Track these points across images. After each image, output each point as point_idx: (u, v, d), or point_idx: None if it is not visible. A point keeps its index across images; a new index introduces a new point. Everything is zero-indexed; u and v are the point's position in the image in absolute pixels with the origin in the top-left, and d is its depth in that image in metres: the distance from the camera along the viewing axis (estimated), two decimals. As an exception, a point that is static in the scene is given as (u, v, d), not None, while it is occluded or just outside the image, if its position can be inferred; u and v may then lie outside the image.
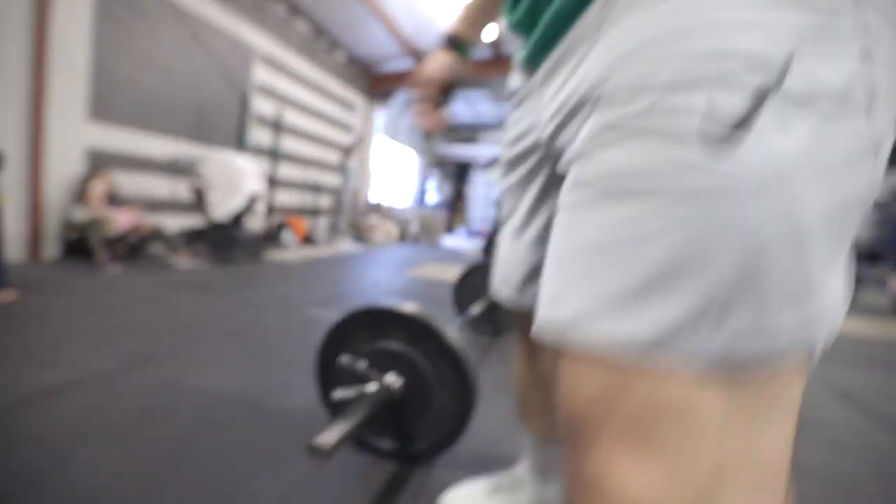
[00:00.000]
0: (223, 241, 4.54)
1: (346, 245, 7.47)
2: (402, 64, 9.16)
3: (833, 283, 0.31)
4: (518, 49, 0.62)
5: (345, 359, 1.22)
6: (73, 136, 4.00)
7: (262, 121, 6.40)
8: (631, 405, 0.29)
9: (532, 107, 0.59)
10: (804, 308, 0.30)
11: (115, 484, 1.09)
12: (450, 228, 13.20)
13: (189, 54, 5.03)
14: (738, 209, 0.29)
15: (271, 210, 6.55)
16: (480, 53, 8.56)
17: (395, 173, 12.32)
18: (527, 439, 0.99)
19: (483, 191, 14.16)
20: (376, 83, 9.47)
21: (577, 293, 0.34)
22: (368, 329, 1.27)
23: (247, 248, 4.71)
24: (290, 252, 5.91)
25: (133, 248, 4.19)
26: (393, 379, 1.23)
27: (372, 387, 1.20)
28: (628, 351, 0.31)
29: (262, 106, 6.35)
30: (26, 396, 1.46)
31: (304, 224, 7.20)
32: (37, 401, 1.45)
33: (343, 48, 8.29)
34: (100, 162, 4.15)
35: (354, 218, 8.90)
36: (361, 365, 1.23)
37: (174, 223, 4.85)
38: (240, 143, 5.92)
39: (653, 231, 0.31)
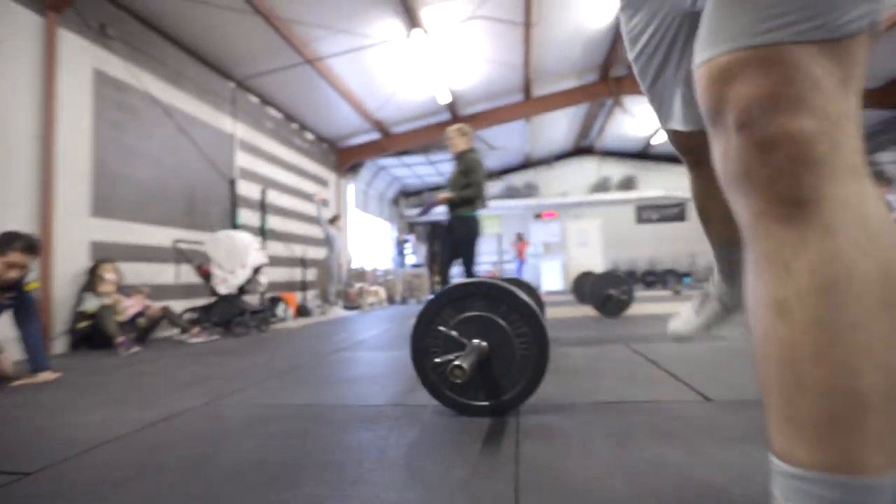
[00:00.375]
0: (232, 312, 4.64)
1: (340, 312, 7.58)
2: (366, 137, 9.77)
3: None
4: None
5: (443, 328, 1.45)
6: (78, 233, 4.16)
7: (248, 203, 6.67)
8: (793, 85, 0.49)
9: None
10: None
11: (271, 456, 1.25)
12: (433, 290, 13.40)
13: (177, 146, 5.35)
14: None
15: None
16: (439, 116, 9.26)
17: (370, 240, 12.67)
18: (714, 251, 1.17)
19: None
20: (343, 157, 9.99)
21: (744, 23, 0.50)
22: (452, 305, 1.52)
23: (254, 317, 4.81)
24: (290, 323, 6.01)
25: (144, 331, 4.25)
26: (479, 341, 1.47)
27: (465, 349, 1.43)
28: (786, 50, 0.48)
29: (246, 189, 6.65)
30: (151, 421, 1.61)
31: (296, 298, 7.33)
32: (161, 422, 1.59)
33: (311, 129, 8.82)
34: (101, 254, 4.28)
35: (340, 286, 9.05)
36: (453, 334, 1.47)
37: (179, 306, 4.93)
38: (232, 226, 6.14)
39: None
